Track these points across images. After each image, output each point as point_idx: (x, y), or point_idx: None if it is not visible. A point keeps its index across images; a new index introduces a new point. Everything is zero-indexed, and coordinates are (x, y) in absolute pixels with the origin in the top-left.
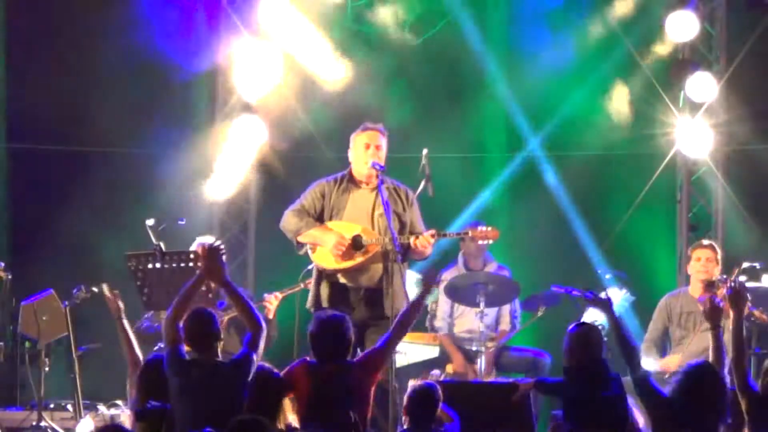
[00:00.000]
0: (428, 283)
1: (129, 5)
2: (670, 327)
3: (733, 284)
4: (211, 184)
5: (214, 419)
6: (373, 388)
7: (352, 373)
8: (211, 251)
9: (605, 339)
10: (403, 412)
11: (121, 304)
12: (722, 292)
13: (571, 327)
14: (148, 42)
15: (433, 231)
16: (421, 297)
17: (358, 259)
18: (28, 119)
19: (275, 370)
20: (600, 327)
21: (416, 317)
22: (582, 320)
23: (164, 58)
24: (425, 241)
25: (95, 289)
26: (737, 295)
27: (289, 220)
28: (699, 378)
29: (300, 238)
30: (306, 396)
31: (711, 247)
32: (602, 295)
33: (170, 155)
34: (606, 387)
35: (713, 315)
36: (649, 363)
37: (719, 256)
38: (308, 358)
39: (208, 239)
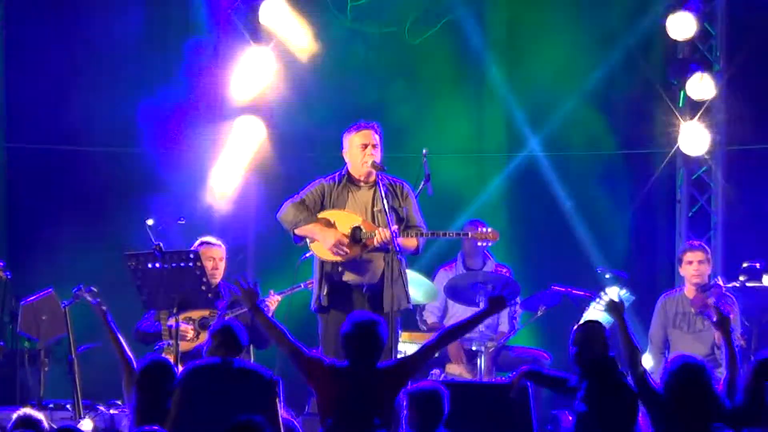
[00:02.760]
0: (495, 304)
1: (130, 6)
2: (668, 328)
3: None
4: (211, 184)
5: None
6: (399, 395)
7: (379, 378)
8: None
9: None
10: (406, 419)
11: (103, 307)
12: (711, 300)
13: (577, 326)
14: (149, 42)
15: (395, 227)
16: (482, 315)
17: (356, 251)
18: (28, 119)
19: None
20: None
21: (464, 334)
22: (582, 320)
23: (164, 58)
24: (381, 237)
25: (94, 289)
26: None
27: (288, 212)
28: (684, 374)
29: (297, 231)
30: (328, 396)
31: (702, 248)
32: (618, 298)
33: (170, 155)
34: (620, 381)
35: (722, 325)
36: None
37: (710, 256)
38: (336, 361)
39: (210, 239)
